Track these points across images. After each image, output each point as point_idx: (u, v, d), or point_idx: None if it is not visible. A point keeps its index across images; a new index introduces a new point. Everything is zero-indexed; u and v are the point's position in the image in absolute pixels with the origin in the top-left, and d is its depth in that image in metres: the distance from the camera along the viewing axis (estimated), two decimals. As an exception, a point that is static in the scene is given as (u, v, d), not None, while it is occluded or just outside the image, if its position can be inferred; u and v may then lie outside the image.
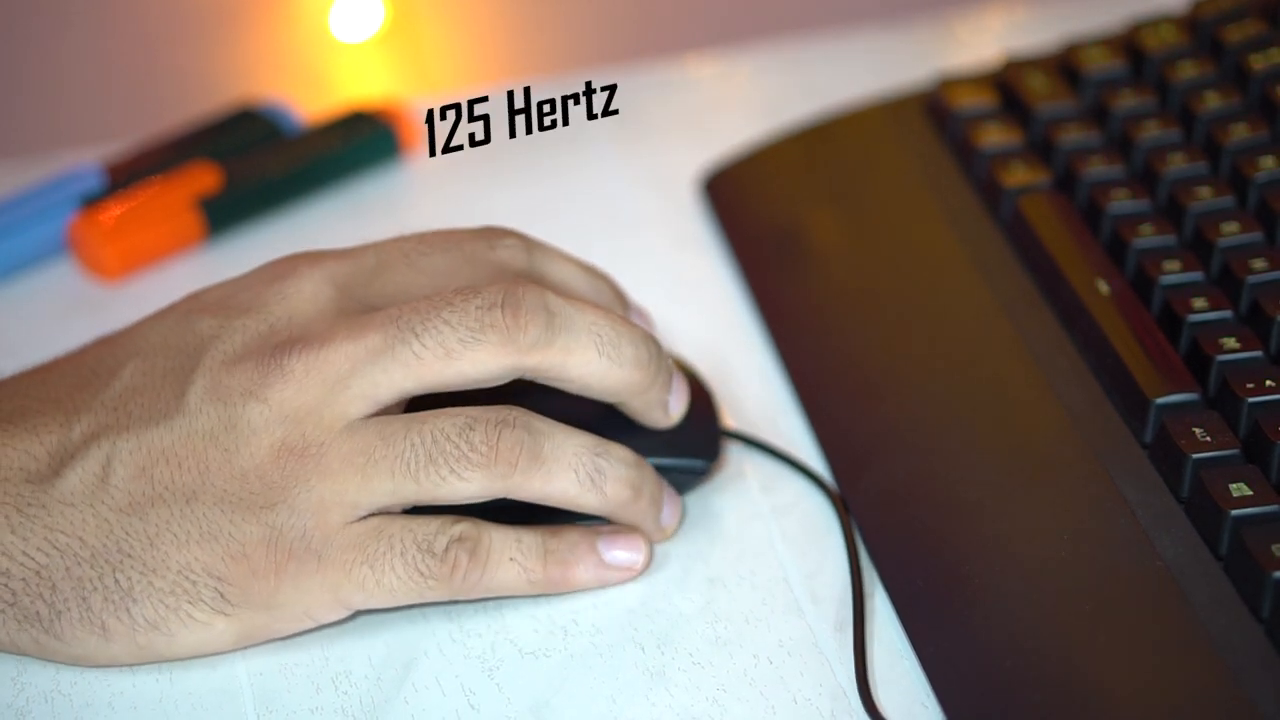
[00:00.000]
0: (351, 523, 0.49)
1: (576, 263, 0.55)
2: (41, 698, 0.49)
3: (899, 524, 0.52)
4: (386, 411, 0.50)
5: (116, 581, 0.48)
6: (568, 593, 0.51)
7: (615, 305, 0.55)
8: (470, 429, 0.49)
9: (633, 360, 0.51)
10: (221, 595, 0.48)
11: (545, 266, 0.54)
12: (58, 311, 0.62)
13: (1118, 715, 0.46)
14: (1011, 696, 0.47)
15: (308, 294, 0.51)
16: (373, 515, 0.49)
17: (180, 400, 0.49)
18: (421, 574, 0.49)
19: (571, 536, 0.51)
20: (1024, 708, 0.47)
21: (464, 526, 0.49)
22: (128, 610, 0.48)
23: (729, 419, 0.57)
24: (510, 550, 0.50)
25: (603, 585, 0.52)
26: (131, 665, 0.49)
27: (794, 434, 0.57)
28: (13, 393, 0.52)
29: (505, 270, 0.53)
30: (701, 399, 0.55)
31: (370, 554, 0.49)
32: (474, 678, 0.50)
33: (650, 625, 0.51)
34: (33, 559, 0.49)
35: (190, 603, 0.48)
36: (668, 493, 0.53)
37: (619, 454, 0.51)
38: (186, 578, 0.48)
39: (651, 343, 0.52)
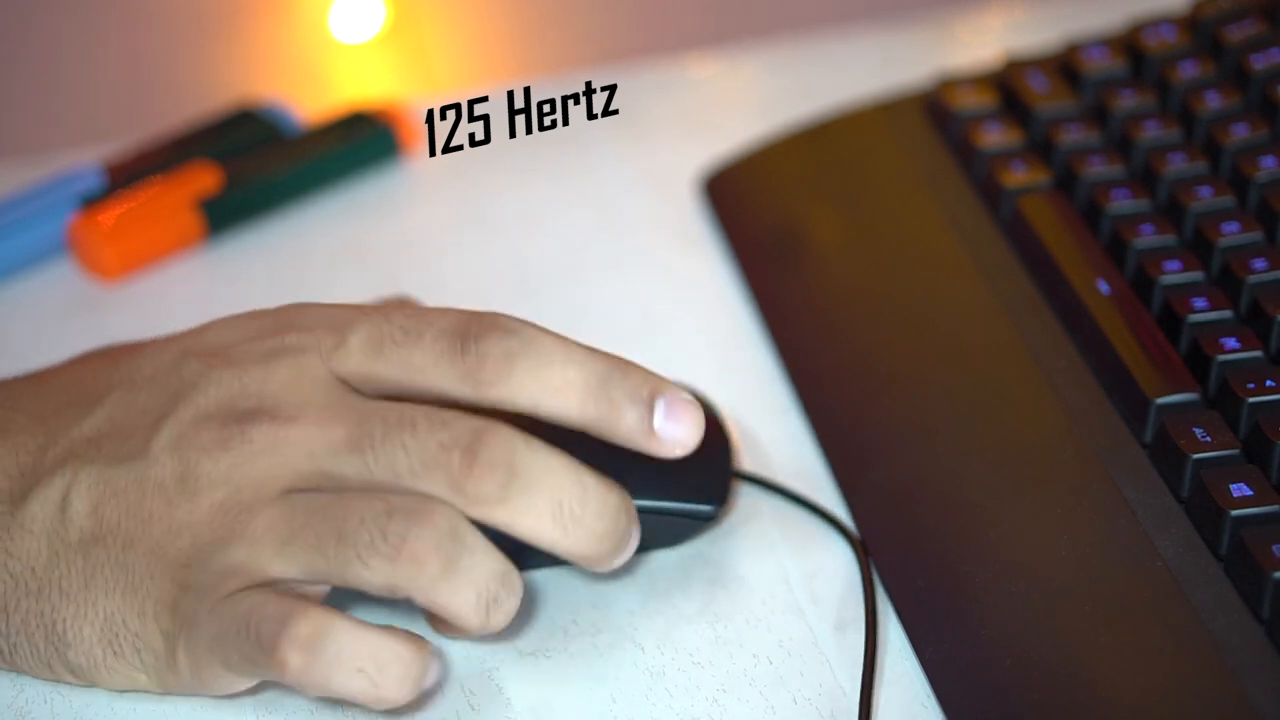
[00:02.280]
0: (241, 590, 0.47)
1: (578, 361, 0.48)
2: (41, 698, 0.49)
3: (899, 524, 0.52)
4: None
5: (54, 624, 0.48)
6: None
7: (620, 405, 0.49)
8: (389, 517, 0.47)
9: (591, 533, 0.48)
10: (138, 652, 0.48)
11: (524, 377, 0.48)
12: (58, 311, 0.62)
13: (1117, 715, 0.46)
14: (1011, 696, 0.47)
15: (287, 363, 0.49)
16: (263, 586, 0.47)
17: (146, 445, 0.49)
18: (251, 661, 0.46)
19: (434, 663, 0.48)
20: (1024, 708, 0.47)
21: (311, 620, 0.46)
22: (64, 656, 0.48)
23: (745, 460, 0.55)
24: (359, 659, 0.46)
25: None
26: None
27: (794, 434, 0.57)
28: (2, 402, 0.51)
29: (469, 379, 0.48)
30: (716, 437, 0.53)
31: (216, 631, 0.47)
32: (474, 678, 0.50)
33: (650, 625, 0.51)
34: None
35: (114, 655, 0.48)
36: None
37: (516, 585, 0.48)
38: (110, 627, 0.48)
39: (623, 512, 0.48)
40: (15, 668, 0.49)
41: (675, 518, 0.52)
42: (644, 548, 0.52)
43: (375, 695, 0.47)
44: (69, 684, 0.49)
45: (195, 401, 0.49)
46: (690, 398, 0.49)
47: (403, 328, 0.49)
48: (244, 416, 0.48)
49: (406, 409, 0.48)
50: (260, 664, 0.46)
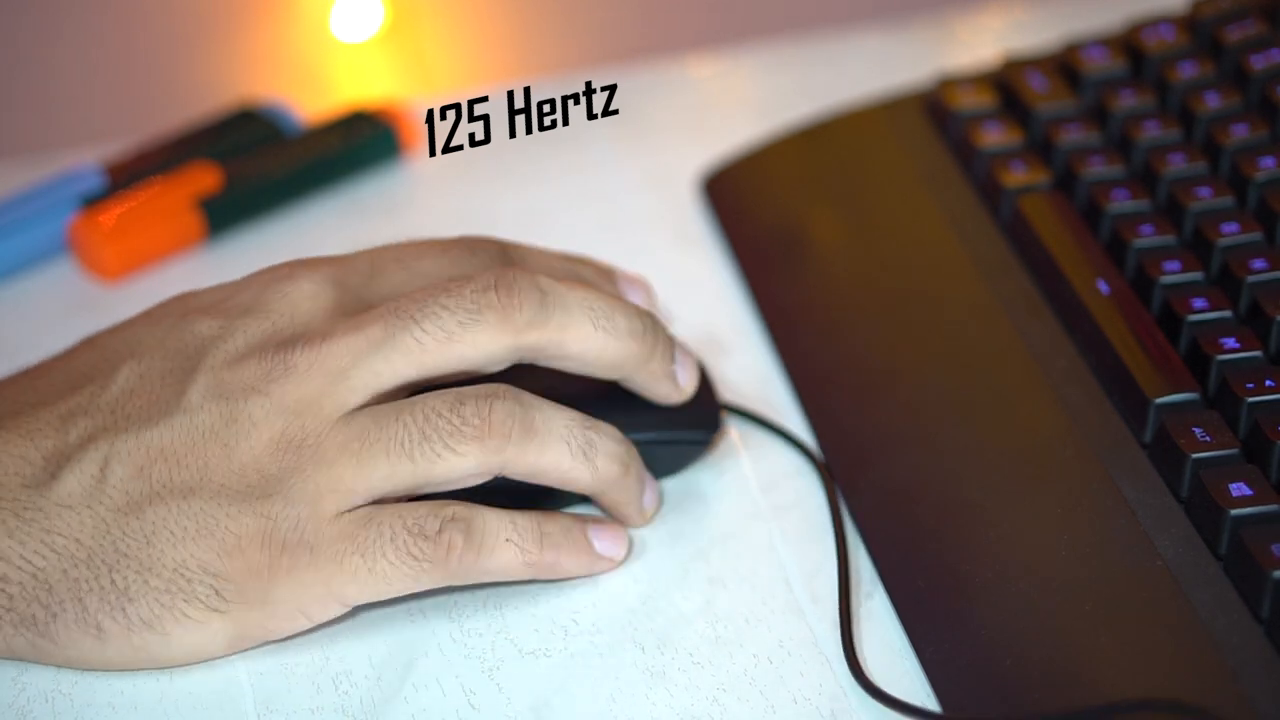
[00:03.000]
0: (345, 512, 0.49)
1: (555, 254, 0.55)
2: (42, 698, 0.49)
3: (899, 524, 0.53)
4: (389, 400, 0.50)
5: (113, 581, 0.48)
6: (556, 579, 0.51)
7: (602, 283, 0.55)
8: (461, 404, 0.49)
9: (628, 331, 0.51)
10: (216, 592, 0.48)
11: (526, 260, 0.54)
12: (58, 311, 0.62)
13: (1118, 715, 0.46)
14: (1011, 696, 0.47)
15: (308, 293, 0.51)
16: (365, 505, 0.49)
17: (180, 399, 0.50)
18: (415, 558, 0.49)
19: (565, 521, 0.51)
20: (1024, 707, 0.47)
21: (457, 508, 0.49)
22: (123, 610, 0.48)
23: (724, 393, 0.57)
24: (506, 531, 0.50)
25: (589, 573, 0.52)
26: (126, 669, 0.49)
27: (794, 434, 0.57)
28: (3, 397, 0.52)
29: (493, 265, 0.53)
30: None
31: (361, 542, 0.49)
32: (474, 678, 0.50)
33: (650, 625, 0.51)
34: (30, 563, 0.49)
35: (185, 600, 0.48)
36: (648, 477, 0.53)
37: (608, 430, 0.51)
38: (182, 575, 0.48)
39: (645, 315, 0.52)
40: (47, 638, 0.49)
41: (673, 447, 0.54)
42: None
43: (523, 562, 0.50)
44: (92, 664, 0.49)
45: (224, 349, 0.50)
46: (691, 354, 0.54)
47: (410, 246, 0.54)
48: (280, 347, 0.50)
49: (427, 285, 0.51)
50: (423, 554, 0.49)
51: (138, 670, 0.49)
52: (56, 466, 0.49)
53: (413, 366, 0.50)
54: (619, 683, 0.50)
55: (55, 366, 0.53)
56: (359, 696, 0.49)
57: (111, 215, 0.64)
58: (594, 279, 0.55)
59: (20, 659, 0.49)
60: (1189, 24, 0.63)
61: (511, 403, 0.50)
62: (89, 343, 0.53)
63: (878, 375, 0.57)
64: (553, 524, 0.51)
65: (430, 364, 0.50)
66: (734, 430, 0.57)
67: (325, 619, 0.50)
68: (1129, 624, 0.48)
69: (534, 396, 0.50)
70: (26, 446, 0.50)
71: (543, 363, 0.51)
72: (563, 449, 0.50)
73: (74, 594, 0.48)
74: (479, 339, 0.50)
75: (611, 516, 0.53)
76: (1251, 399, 0.51)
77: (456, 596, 0.52)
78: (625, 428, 0.52)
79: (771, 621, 0.51)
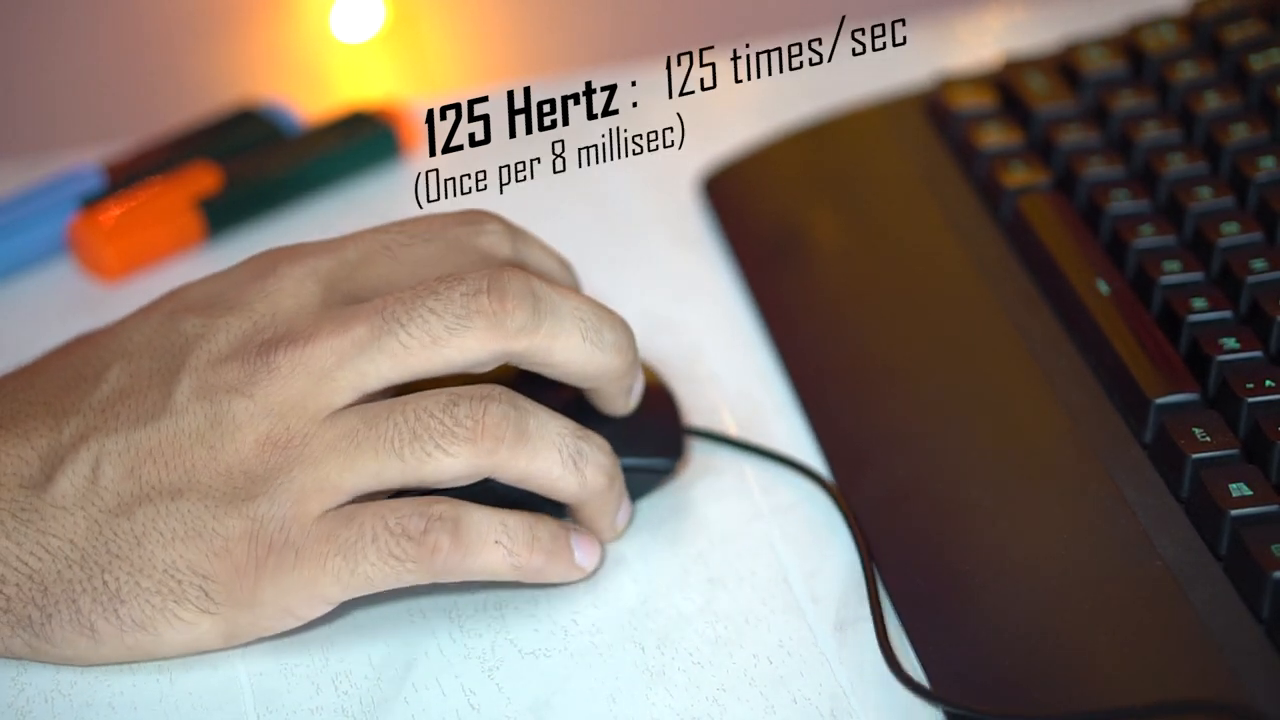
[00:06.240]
0: (330, 510, 0.49)
1: (551, 250, 0.55)
2: (42, 698, 0.49)
3: (899, 524, 0.53)
4: (376, 399, 0.50)
5: (105, 583, 0.48)
6: (536, 585, 0.51)
7: (576, 286, 0.55)
8: (455, 404, 0.49)
9: (614, 345, 0.51)
10: (206, 594, 0.48)
11: (526, 253, 0.54)
12: (58, 311, 0.62)
13: (1118, 715, 0.46)
14: (1011, 696, 0.47)
15: (290, 290, 0.51)
16: (351, 503, 0.49)
17: (167, 400, 0.50)
18: (397, 558, 0.48)
19: (553, 527, 0.51)
20: (1024, 707, 0.47)
21: (444, 506, 0.49)
22: (115, 611, 0.48)
23: (693, 417, 0.57)
24: (495, 532, 0.49)
25: (564, 581, 0.51)
26: (124, 664, 0.49)
27: (794, 434, 0.57)
28: (2, 394, 0.52)
29: (488, 258, 0.53)
30: (663, 398, 0.55)
31: (342, 542, 0.48)
32: (474, 678, 0.50)
33: (650, 625, 0.51)
34: (26, 564, 0.49)
35: (176, 602, 0.48)
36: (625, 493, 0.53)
37: (598, 441, 0.51)
38: (172, 576, 0.48)
39: (628, 329, 0.52)
40: (44, 638, 0.49)
41: (635, 473, 0.53)
42: None
43: (510, 564, 0.49)
44: (90, 661, 0.49)
45: (207, 349, 0.50)
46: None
47: (401, 230, 0.53)
48: (263, 348, 0.49)
49: (416, 284, 0.50)
50: (406, 554, 0.48)
51: (142, 666, 0.50)
52: (51, 467, 0.49)
53: (398, 369, 0.49)
54: (619, 683, 0.50)
55: (52, 363, 0.53)
56: (359, 697, 0.49)
57: (111, 215, 0.64)
58: (571, 279, 0.55)
59: (17, 658, 0.49)
60: (1189, 24, 0.63)
61: (507, 406, 0.49)
62: (84, 339, 0.53)
63: (878, 375, 0.57)
64: (543, 528, 0.50)
65: (416, 367, 0.49)
66: (734, 430, 0.57)
67: (314, 616, 0.49)
68: (1129, 624, 0.48)
69: (528, 400, 0.50)
70: (23, 446, 0.50)
71: (525, 367, 0.51)
72: (554, 456, 0.50)
73: (68, 595, 0.48)
74: (467, 344, 0.49)
75: (585, 527, 0.52)
76: (1252, 399, 0.51)
77: (456, 597, 0.52)
78: None
79: (771, 621, 0.51)
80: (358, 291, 0.52)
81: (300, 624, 0.49)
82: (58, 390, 0.51)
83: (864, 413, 0.56)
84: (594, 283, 0.63)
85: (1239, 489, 0.49)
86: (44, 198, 0.65)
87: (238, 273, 0.52)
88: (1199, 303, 0.54)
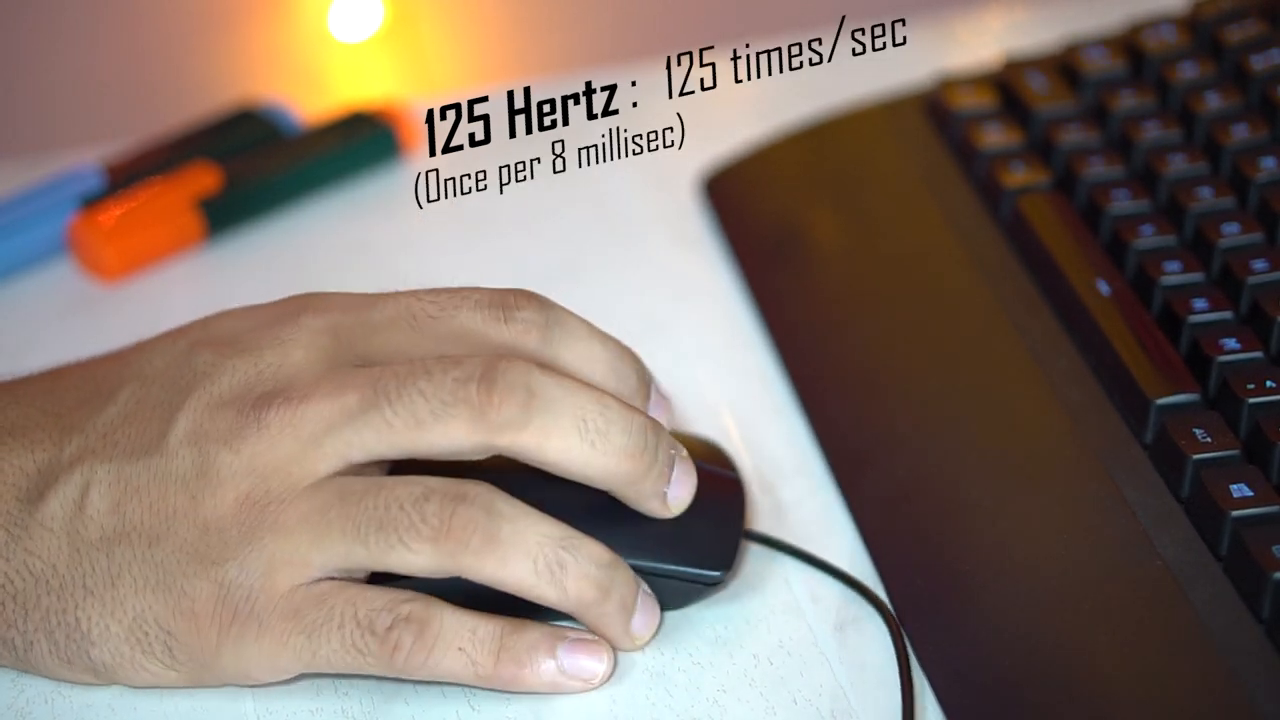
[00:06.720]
0: (300, 586, 0.47)
1: (600, 338, 0.51)
2: (42, 698, 0.49)
3: (899, 524, 0.52)
4: (363, 471, 0.48)
5: (77, 620, 0.48)
6: (517, 692, 0.49)
7: (636, 388, 0.51)
8: (426, 500, 0.47)
9: (621, 449, 0.48)
10: (169, 650, 0.48)
11: (560, 346, 0.50)
12: (57, 312, 0.62)
13: (1117, 716, 0.46)
14: (1011, 696, 0.47)
15: (304, 342, 0.49)
16: (324, 580, 0.48)
17: (163, 439, 0.49)
18: (359, 651, 0.47)
19: (532, 635, 0.48)
20: (1023, 707, 0.47)
21: (415, 606, 0.47)
22: (87, 653, 0.48)
23: (759, 521, 0.54)
24: (461, 639, 0.47)
25: (555, 692, 0.49)
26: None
27: (794, 434, 0.57)
28: (19, 399, 0.51)
29: (511, 346, 0.49)
30: (729, 495, 0.51)
31: (309, 624, 0.47)
32: (474, 678, 0.50)
33: (650, 625, 0.51)
34: (12, 583, 0.48)
35: (143, 653, 0.48)
36: (644, 599, 0.49)
37: (589, 550, 0.48)
38: (140, 626, 0.48)
39: (649, 431, 0.49)
40: (28, 665, 0.49)
41: (677, 581, 0.50)
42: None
43: (473, 673, 0.48)
44: (83, 684, 0.49)
45: (209, 391, 0.49)
46: (692, 469, 0.50)
47: (433, 301, 0.50)
48: (259, 402, 0.48)
49: (417, 360, 0.48)
50: (368, 649, 0.47)
51: None
52: (45, 484, 0.49)
53: (382, 445, 0.48)
54: (619, 683, 0.50)
55: (76, 372, 0.52)
56: (358, 697, 0.49)
57: (111, 215, 0.64)
58: (626, 378, 0.51)
59: (6, 667, 0.50)
60: (1189, 24, 0.63)
61: (477, 510, 0.47)
62: (113, 355, 0.52)
63: (878, 375, 0.57)
64: (518, 637, 0.48)
65: (401, 445, 0.48)
66: (734, 430, 0.57)
67: (273, 682, 0.49)
68: (1129, 624, 0.48)
69: (512, 503, 0.47)
70: (26, 457, 0.50)
71: (527, 462, 0.48)
72: (526, 566, 0.47)
73: (44, 627, 0.48)
74: (450, 431, 0.47)
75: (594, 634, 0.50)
76: (1252, 400, 0.51)
77: (456, 597, 0.52)
78: (626, 550, 0.49)
79: (771, 621, 0.51)
80: (372, 355, 0.50)
81: (257, 685, 0.49)
82: (72, 403, 0.51)
83: (864, 413, 0.56)
84: (593, 283, 0.63)
85: (1240, 490, 0.49)
86: (44, 198, 0.65)
87: (267, 312, 0.51)
88: (1199, 303, 0.54)
